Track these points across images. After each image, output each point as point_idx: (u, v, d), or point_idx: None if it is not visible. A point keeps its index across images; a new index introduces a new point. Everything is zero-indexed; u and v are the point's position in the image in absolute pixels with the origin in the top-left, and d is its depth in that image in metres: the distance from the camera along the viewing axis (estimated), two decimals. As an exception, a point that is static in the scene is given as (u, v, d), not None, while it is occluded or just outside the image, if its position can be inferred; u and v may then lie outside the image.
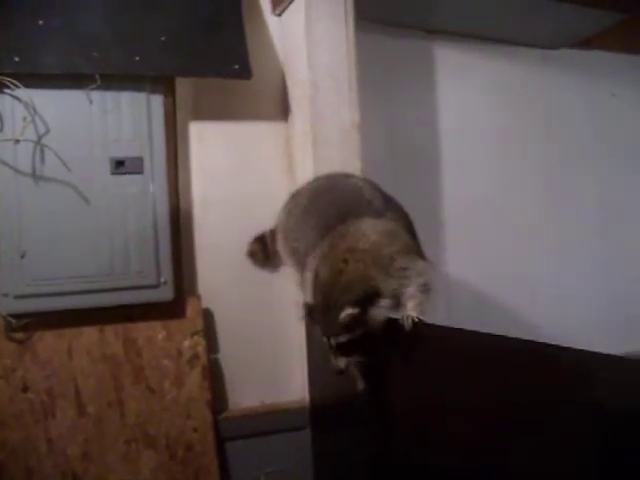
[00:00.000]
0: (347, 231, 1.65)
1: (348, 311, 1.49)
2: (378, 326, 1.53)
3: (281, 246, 1.96)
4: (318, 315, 1.58)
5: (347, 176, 1.96)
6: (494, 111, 2.78)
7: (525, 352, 1.25)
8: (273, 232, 2.03)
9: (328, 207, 1.77)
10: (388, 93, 2.55)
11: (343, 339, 1.52)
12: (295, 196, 1.96)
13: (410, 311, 1.60)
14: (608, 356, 1.06)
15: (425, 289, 1.64)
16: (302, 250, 1.78)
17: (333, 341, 1.53)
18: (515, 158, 2.83)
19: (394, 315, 1.64)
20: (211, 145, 2.29)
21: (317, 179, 1.99)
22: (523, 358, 1.25)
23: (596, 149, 3.00)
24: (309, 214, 1.82)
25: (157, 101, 2.12)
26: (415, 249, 1.71)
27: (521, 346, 1.25)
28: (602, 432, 1.03)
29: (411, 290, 1.61)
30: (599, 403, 1.05)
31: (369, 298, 1.53)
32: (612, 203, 3.03)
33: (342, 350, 1.53)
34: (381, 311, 1.55)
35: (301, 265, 1.79)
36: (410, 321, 1.58)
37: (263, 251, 2.13)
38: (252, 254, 2.17)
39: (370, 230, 1.65)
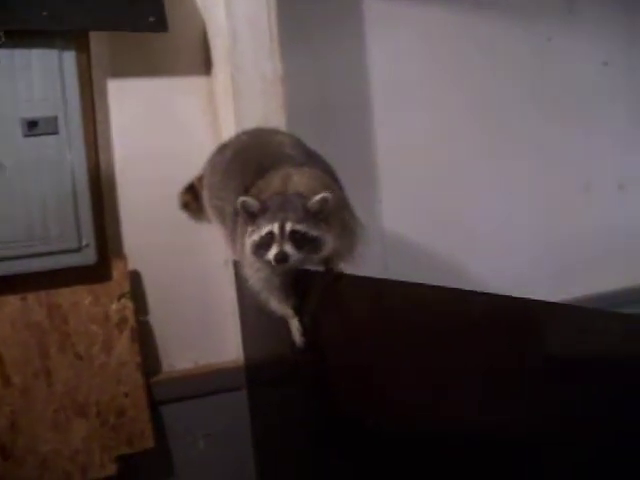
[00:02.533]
0: (270, 179, 1.58)
1: (321, 196, 1.45)
2: (321, 250, 1.49)
3: (206, 202, 1.90)
4: (276, 204, 1.48)
5: (272, 132, 1.90)
6: (427, 61, 2.73)
7: (463, 302, 1.20)
8: (201, 180, 1.96)
9: (248, 166, 1.71)
10: (315, 44, 2.48)
11: (301, 228, 1.45)
12: (221, 150, 1.91)
13: (335, 265, 1.57)
14: (554, 304, 1.01)
15: (351, 246, 1.59)
16: (226, 211, 1.72)
17: (289, 227, 1.44)
18: (450, 108, 2.78)
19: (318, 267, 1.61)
20: (131, 102, 2.22)
21: (243, 134, 1.93)
22: (459, 308, 1.20)
23: (534, 96, 2.95)
24: (231, 173, 1.77)
25: (70, 58, 2.03)
26: (346, 200, 1.66)
27: (457, 296, 1.20)
28: (551, 384, 0.98)
29: (341, 244, 1.56)
30: (547, 353, 1.00)
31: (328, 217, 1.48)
32: (549, 152, 2.99)
33: (294, 240, 1.45)
34: (330, 240, 1.50)
35: (226, 224, 1.74)
36: (336, 273, 1.54)
37: (196, 201, 2.06)
38: (185, 205, 2.09)
39: (296, 173, 1.58)
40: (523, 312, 1.05)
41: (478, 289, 1.16)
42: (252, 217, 1.49)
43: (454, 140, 2.76)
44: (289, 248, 1.44)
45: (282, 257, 1.43)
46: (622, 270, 3.00)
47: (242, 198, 1.49)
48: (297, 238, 1.44)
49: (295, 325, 1.65)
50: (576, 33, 3.06)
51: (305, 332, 1.67)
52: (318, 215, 1.46)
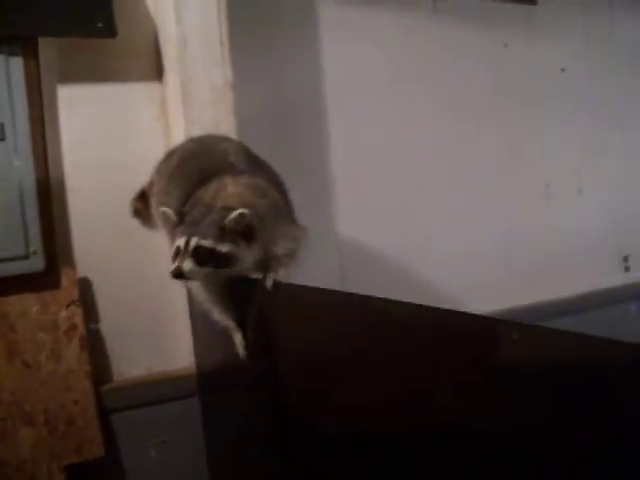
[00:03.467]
0: (206, 189, 1.60)
1: (237, 212, 1.45)
2: (234, 265, 1.49)
3: (153, 209, 1.90)
4: (190, 218, 1.50)
5: (219, 140, 1.90)
6: (384, 64, 2.74)
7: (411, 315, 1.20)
8: (151, 187, 1.96)
9: (190, 174, 1.72)
10: (267, 49, 2.48)
11: (207, 244, 1.45)
12: (168, 156, 1.91)
13: (273, 272, 1.57)
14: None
15: (291, 252, 1.60)
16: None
17: (193, 243, 1.44)
18: (407, 112, 2.79)
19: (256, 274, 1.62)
20: (82, 109, 2.21)
21: (190, 140, 1.94)
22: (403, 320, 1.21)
23: (491, 100, 2.98)
24: (174, 181, 1.78)
25: (17, 64, 2.02)
26: (284, 208, 1.66)
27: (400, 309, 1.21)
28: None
29: (278, 251, 1.57)
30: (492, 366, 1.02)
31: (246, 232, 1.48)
32: (510, 155, 3.01)
33: (197, 256, 1.44)
34: (248, 255, 1.50)
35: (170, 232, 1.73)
36: (272, 282, 1.54)
37: (147, 208, 2.05)
38: (137, 212, 2.07)
39: (232, 183, 1.60)
40: (471, 326, 1.06)
41: (435, 295, 1.19)
42: (172, 229, 1.50)
43: (410, 145, 2.77)
44: (188, 263, 1.44)
45: (176, 273, 1.44)
46: (578, 275, 3.03)
47: (162, 209, 1.53)
48: (201, 254, 1.45)
49: (238, 338, 1.66)
50: (534, 39, 3.07)
51: (247, 345, 1.66)
52: (233, 231, 1.46)
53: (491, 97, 3.01)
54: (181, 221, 1.50)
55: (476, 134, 2.97)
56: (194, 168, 1.72)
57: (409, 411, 1.20)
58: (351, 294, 1.35)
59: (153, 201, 1.90)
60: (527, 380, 0.93)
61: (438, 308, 1.09)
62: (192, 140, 1.92)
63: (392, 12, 2.76)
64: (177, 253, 1.45)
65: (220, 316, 1.66)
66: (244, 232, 1.47)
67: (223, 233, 1.45)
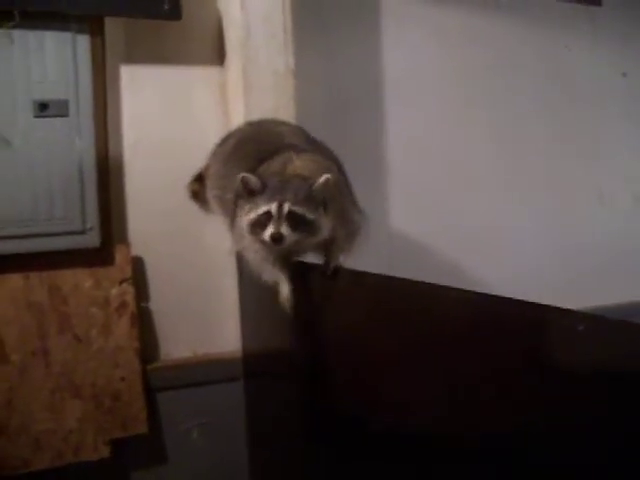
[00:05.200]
0: (270, 164, 1.60)
1: (323, 178, 1.46)
2: (317, 234, 1.51)
3: (208, 192, 1.91)
4: (275, 184, 1.50)
5: (275, 123, 1.91)
6: (443, 59, 2.72)
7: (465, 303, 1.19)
8: (207, 170, 1.97)
9: (248, 154, 1.72)
10: (329, 37, 2.48)
11: (299, 210, 1.46)
12: (224, 140, 1.92)
13: (333, 258, 1.58)
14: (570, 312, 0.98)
15: (351, 237, 1.61)
16: (226, 198, 1.73)
17: (286, 208, 1.45)
18: (463, 106, 2.77)
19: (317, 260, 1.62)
20: (143, 89, 2.23)
21: (246, 125, 1.95)
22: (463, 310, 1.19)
23: (548, 100, 2.94)
24: (232, 162, 1.78)
25: (84, 42, 2.05)
26: (347, 188, 1.66)
27: (461, 296, 1.19)
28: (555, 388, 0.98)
29: (340, 233, 1.57)
30: (552, 358, 1.00)
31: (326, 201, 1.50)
32: (564, 155, 2.97)
33: (290, 222, 1.45)
34: (327, 225, 1.52)
35: (228, 214, 1.74)
36: (332, 268, 1.54)
37: (204, 191, 2.06)
38: (194, 195, 2.08)
39: (297, 157, 1.60)
40: (529, 315, 1.03)
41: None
42: (251, 195, 1.50)
43: (466, 141, 2.76)
44: (285, 229, 1.44)
45: (278, 237, 1.44)
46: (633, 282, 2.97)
47: (243, 174, 1.49)
48: (294, 219, 1.45)
49: (285, 290, 1.63)
50: (596, 43, 3.02)
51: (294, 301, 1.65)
52: (317, 199, 1.47)
53: (549, 98, 2.97)
54: (263, 186, 1.48)
55: (531, 135, 2.94)
56: (252, 150, 1.73)
57: (458, 405, 1.17)
58: (405, 279, 1.33)
59: (208, 184, 1.91)
60: (592, 376, 0.90)
61: (496, 296, 1.07)
62: (249, 124, 1.93)
63: (454, 7, 2.74)
64: (268, 218, 1.45)
65: (272, 272, 1.63)
66: (324, 201, 1.48)
67: (310, 200, 1.46)
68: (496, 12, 2.83)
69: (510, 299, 1.03)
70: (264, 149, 1.68)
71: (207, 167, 1.95)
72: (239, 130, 1.91)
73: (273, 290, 1.64)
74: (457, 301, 1.17)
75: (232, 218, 1.67)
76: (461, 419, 1.16)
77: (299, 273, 1.65)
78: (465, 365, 1.13)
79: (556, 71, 2.96)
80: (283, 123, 1.91)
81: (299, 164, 1.55)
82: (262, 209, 1.47)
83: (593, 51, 3.07)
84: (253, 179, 1.49)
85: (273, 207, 1.45)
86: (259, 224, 1.47)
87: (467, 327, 1.14)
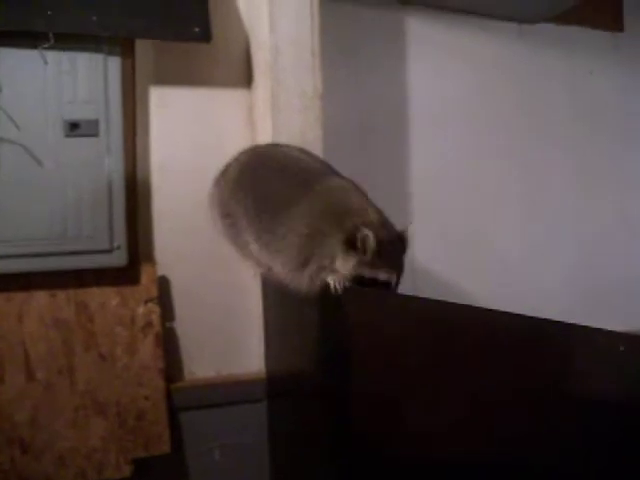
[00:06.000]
0: (320, 200, 1.66)
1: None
2: None
3: (217, 220, 1.92)
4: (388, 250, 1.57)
5: (278, 146, 1.97)
6: (468, 85, 2.73)
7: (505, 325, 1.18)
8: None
9: (283, 181, 1.75)
10: (356, 62, 2.51)
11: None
12: (225, 169, 1.94)
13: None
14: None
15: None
16: (241, 226, 1.77)
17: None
18: (488, 133, 2.78)
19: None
20: (172, 110, 2.25)
21: (244, 152, 1.96)
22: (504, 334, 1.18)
23: (572, 126, 2.95)
24: (246, 188, 1.79)
25: (114, 63, 2.08)
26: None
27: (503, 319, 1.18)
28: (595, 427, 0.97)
29: None
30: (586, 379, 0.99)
31: None
32: (591, 179, 2.98)
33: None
34: None
35: (239, 242, 1.76)
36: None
37: None
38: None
39: (355, 195, 1.67)
40: (568, 335, 1.02)
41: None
42: (360, 251, 1.54)
43: (488, 166, 2.76)
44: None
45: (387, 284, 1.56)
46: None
47: (367, 232, 1.52)
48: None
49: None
50: (619, 67, 3.03)
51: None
52: None
53: (572, 123, 2.97)
54: (380, 250, 1.54)
55: (555, 159, 2.94)
56: (272, 178, 1.75)
57: (493, 430, 1.16)
58: (429, 299, 1.33)
59: (214, 213, 1.92)
60: (634, 397, 0.88)
61: (535, 317, 1.06)
62: (245, 152, 1.95)
63: (479, 33, 2.76)
64: (386, 287, 1.55)
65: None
66: None
67: None
68: (520, 38, 2.84)
69: (549, 320, 1.02)
70: (294, 174, 1.71)
71: (210, 199, 1.94)
72: (239, 158, 1.93)
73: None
74: (492, 322, 1.16)
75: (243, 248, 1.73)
76: (495, 444, 1.15)
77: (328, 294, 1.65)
78: (502, 389, 1.12)
79: (580, 97, 2.96)
80: (282, 145, 1.97)
81: (373, 212, 1.61)
82: (382, 276, 1.56)
83: (616, 76, 3.06)
84: (372, 241, 1.52)
85: (393, 279, 1.56)
86: (367, 282, 1.54)
87: (503, 349, 1.13)
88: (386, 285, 1.55)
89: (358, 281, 1.54)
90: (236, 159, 1.91)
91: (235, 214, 1.77)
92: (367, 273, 1.53)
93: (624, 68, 3.06)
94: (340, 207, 1.62)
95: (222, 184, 1.89)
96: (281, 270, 1.66)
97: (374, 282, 1.54)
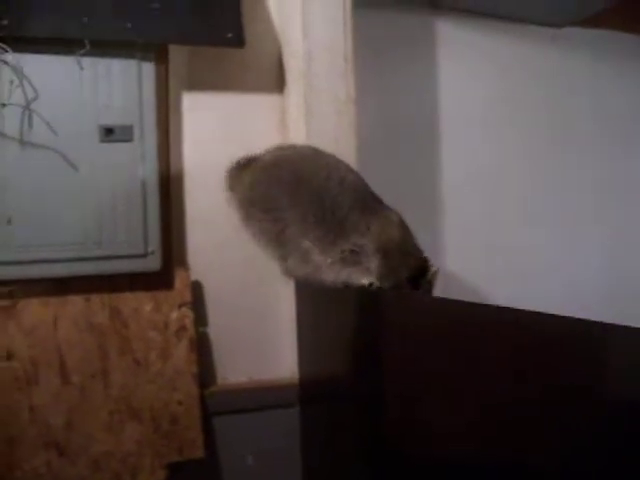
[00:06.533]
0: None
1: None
2: None
3: (246, 220, 1.89)
4: None
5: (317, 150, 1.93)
6: (497, 89, 2.73)
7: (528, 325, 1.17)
8: None
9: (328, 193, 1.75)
10: (388, 66, 2.51)
11: None
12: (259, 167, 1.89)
13: None
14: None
15: None
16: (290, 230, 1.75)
17: None
18: (517, 137, 2.77)
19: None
20: (204, 116, 2.26)
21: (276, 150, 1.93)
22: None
23: (603, 129, 2.93)
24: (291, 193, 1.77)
25: (149, 69, 2.08)
26: None
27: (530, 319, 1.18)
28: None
29: None
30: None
31: None
32: (614, 185, 2.96)
33: None
34: None
35: (278, 246, 1.76)
36: None
37: None
38: None
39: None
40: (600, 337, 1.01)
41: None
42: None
43: (520, 170, 2.75)
44: None
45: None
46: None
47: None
48: None
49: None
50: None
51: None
52: None
53: (602, 124, 2.95)
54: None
55: (584, 162, 2.92)
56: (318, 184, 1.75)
57: (519, 433, 1.15)
58: (463, 301, 1.33)
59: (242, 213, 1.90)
60: None
61: (560, 315, 1.04)
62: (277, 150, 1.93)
63: (510, 37, 2.75)
64: None
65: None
66: None
67: None
68: (551, 44, 2.83)
69: (584, 320, 1.01)
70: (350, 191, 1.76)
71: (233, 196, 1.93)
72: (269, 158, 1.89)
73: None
74: (525, 323, 1.15)
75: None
76: (527, 447, 1.14)
77: (363, 298, 1.65)
78: (535, 390, 1.11)
79: (610, 101, 2.94)
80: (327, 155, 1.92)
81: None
82: None
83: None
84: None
85: None
86: None
87: (537, 349, 1.12)
88: None
89: None
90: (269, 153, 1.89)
91: (281, 210, 1.74)
92: None
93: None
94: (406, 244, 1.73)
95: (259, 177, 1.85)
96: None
97: None
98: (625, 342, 0.97)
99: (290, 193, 1.79)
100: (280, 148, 1.95)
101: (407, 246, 1.74)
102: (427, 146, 2.61)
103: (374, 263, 1.70)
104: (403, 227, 1.76)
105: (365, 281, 1.71)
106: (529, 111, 2.81)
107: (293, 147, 1.97)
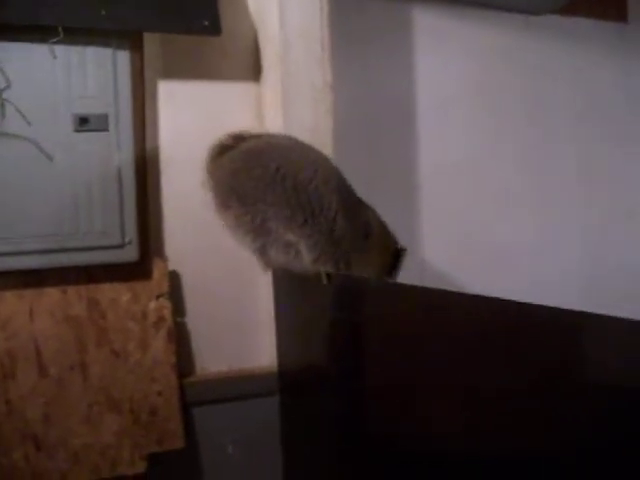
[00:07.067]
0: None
1: None
2: None
3: (223, 210, 1.82)
4: None
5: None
6: (474, 76, 2.73)
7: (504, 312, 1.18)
8: None
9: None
10: (363, 54, 2.50)
11: None
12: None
13: None
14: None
15: None
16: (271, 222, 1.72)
17: None
18: (495, 125, 2.78)
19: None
20: (181, 105, 2.24)
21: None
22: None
23: (580, 120, 2.95)
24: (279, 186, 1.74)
25: (124, 57, 2.06)
26: None
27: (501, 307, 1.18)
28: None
29: None
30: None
31: None
32: (594, 173, 2.98)
33: None
34: None
35: (257, 237, 1.74)
36: None
37: None
38: None
39: None
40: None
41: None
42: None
43: (499, 157, 2.76)
44: None
45: None
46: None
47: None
48: None
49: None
50: (624, 58, 3.04)
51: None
52: None
53: (579, 115, 2.97)
54: None
55: (560, 152, 2.94)
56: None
57: (500, 423, 1.16)
58: (452, 291, 1.33)
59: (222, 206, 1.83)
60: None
61: (540, 305, 1.05)
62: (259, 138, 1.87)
63: (485, 25, 2.75)
64: None
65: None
66: None
67: None
68: (526, 30, 2.84)
69: (561, 308, 1.02)
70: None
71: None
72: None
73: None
74: (505, 311, 1.16)
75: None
76: (509, 437, 1.15)
77: (342, 285, 1.65)
78: (516, 379, 1.12)
79: (588, 88, 2.96)
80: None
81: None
82: None
83: (621, 67, 3.06)
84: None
85: None
86: None
87: (517, 338, 1.13)
88: None
89: None
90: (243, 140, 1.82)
91: (262, 204, 1.71)
92: None
93: (628, 59, 3.05)
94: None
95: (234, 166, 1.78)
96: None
97: None
98: (604, 331, 0.97)
99: (274, 187, 1.72)
100: (267, 135, 1.91)
101: (386, 242, 1.78)
102: (403, 132, 2.61)
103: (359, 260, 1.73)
104: (380, 225, 1.79)
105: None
106: (507, 99, 2.82)
107: (280, 136, 1.92)
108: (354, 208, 1.75)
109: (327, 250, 1.71)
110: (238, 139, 1.82)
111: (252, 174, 1.73)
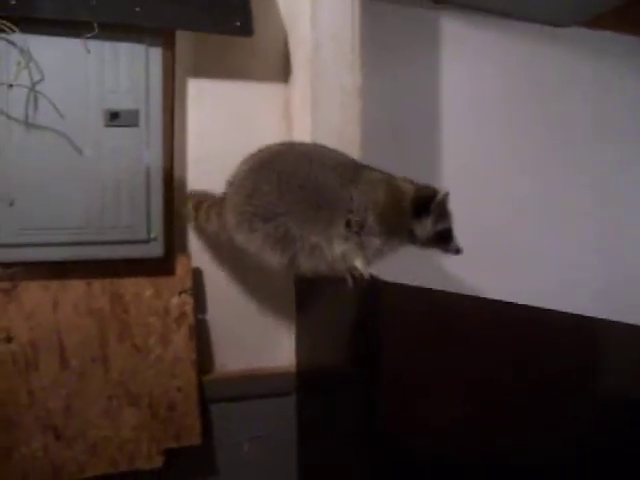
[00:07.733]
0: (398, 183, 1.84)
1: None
2: None
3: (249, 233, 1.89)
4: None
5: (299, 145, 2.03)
6: (498, 86, 2.74)
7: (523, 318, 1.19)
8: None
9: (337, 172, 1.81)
10: (392, 59, 2.52)
11: None
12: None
13: None
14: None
15: None
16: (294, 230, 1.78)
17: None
18: (517, 134, 2.78)
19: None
20: (209, 103, 2.26)
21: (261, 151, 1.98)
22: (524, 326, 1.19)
23: (602, 129, 2.95)
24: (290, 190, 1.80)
25: (156, 54, 2.07)
26: None
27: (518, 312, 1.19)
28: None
29: None
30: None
31: None
32: (612, 187, 2.98)
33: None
34: None
35: (284, 248, 1.78)
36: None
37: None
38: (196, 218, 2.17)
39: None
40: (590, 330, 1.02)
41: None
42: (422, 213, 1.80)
43: (518, 167, 2.76)
44: None
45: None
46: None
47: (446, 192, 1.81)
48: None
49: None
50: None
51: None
52: None
53: (601, 125, 2.97)
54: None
55: (580, 164, 2.94)
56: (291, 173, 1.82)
57: (514, 425, 1.16)
58: (474, 296, 1.34)
59: (234, 214, 1.92)
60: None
61: (555, 310, 1.06)
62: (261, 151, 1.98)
63: (512, 35, 2.76)
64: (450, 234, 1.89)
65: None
66: None
67: None
68: (552, 42, 2.84)
69: (575, 314, 1.03)
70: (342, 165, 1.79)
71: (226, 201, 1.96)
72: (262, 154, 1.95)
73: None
74: (519, 316, 1.18)
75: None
76: (523, 441, 1.15)
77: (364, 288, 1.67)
78: (530, 383, 1.13)
79: (610, 102, 2.96)
80: (300, 143, 2.05)
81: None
82: (445, 226, 1.85)
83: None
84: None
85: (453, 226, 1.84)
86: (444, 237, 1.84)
87: (530, 342, 1.13)
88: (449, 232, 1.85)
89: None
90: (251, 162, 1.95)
91: (280, 215, 1.78)
92: (439, 226, 1.82)
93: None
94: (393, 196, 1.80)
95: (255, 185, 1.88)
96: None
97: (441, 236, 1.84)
98: (618, 338, 0.98)
99: (282, 193, 1.82)
100: (259, 150, 1.97)
101: (395, 195, 1.82)
102: (427, 139, 2.62)
103: (374, 230, 1.78)
104: (388, 182, 1.83)
105: (359, 264, 1.76)
106: (529, 108, 2.82)
107: (267, 148, 1.98)
108: (352, 177, 1.82)
109: (344, 232, 1.80)
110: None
111: (260, 188, 1.85)
